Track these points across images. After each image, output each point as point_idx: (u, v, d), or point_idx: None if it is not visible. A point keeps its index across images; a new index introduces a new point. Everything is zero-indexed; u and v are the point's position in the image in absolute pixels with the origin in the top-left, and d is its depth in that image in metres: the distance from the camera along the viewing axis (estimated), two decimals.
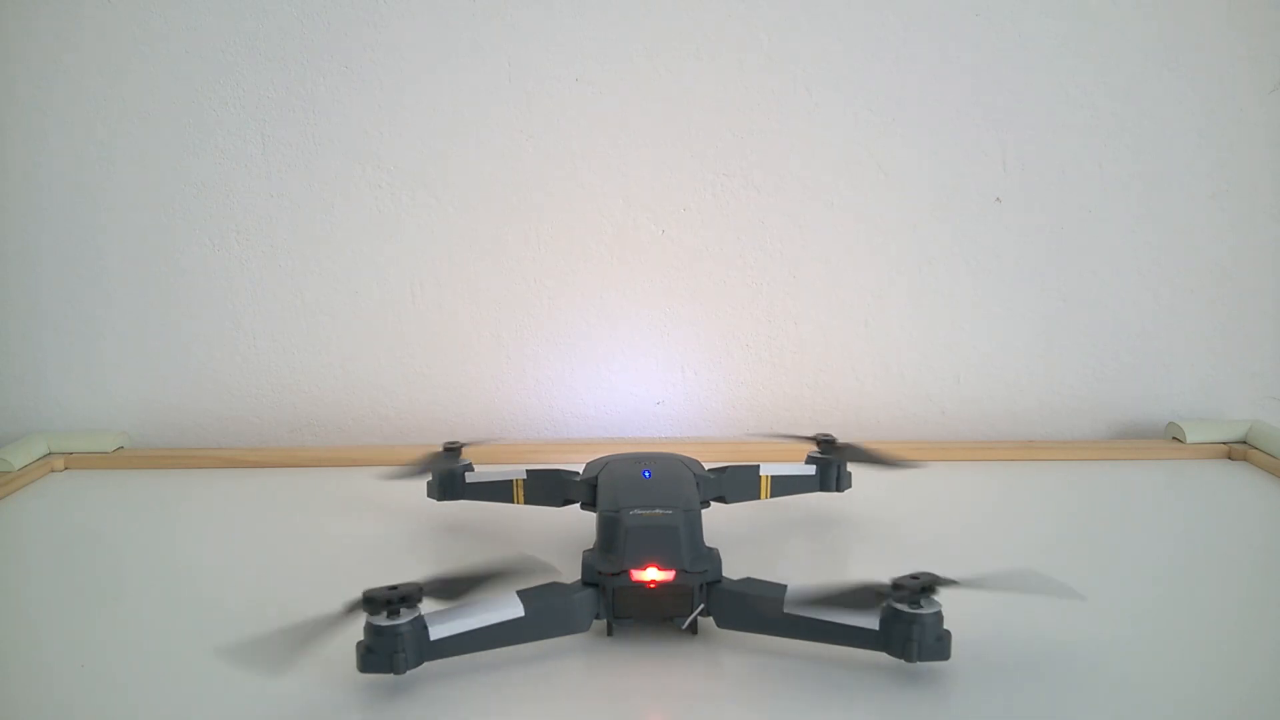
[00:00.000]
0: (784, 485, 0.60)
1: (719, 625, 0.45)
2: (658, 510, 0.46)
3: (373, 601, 0.40)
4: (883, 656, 0.43)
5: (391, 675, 0.41)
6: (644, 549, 0.44)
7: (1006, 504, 0.67)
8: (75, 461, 0.75)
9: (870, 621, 0.42)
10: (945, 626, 0.42)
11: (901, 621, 0.41)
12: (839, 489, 0.61)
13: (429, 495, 0.60)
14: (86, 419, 0.81)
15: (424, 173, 0.77)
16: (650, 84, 0.76)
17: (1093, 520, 0.63)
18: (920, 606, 0.41)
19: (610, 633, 0.46)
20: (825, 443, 0.61)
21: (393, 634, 0.40)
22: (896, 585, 0.41)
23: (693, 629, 0.46)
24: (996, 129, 0.76)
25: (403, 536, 0.60)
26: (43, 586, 0.54)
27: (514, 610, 0.43)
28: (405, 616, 0.41)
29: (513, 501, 0.58)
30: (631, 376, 0.81)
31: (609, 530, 0.46)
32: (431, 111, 0.76)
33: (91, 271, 0.79)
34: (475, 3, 0.75)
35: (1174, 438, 0.77)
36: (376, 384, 0.81)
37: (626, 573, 0.44)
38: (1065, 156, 0.77)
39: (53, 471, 0.74)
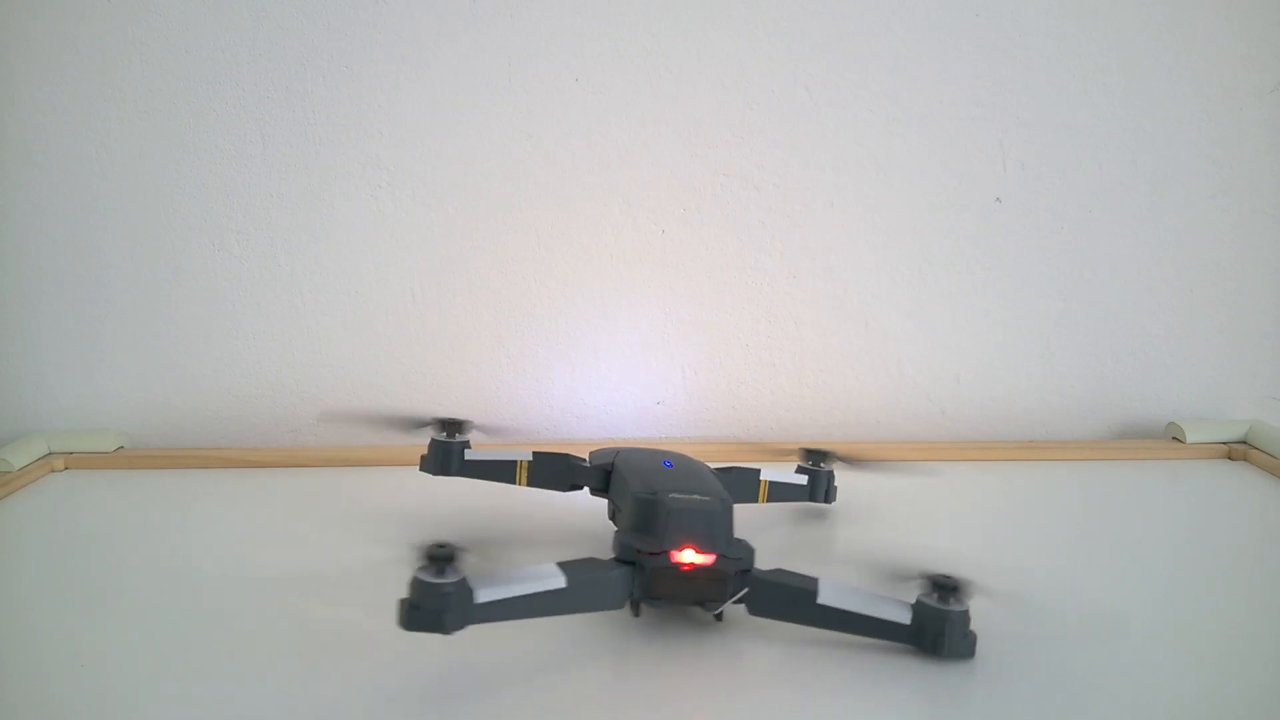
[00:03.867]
0: (779, 492, 0.61)
1: (751, 612, 0.46)
2: (696, 496, 0.46)
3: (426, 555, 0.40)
4: (898, 647, 0.43)
5: (428, 639, 0.40)
6: (685, 531, 0.45)
7: (1007, 504, 0.67)
8: (75, 461, 0.75)
9: (902, 616, 0.44)
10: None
11: (933, 618, 0.43)
12: (826, 501, 0.63)
13: (422, 469, 0.58)
14: (86, 419, 0.81)
15: (424, 173, 0.77)
16: (650, 84, 0.76)
17: (1093, 520, 0.63)
18: (950, 604, 0.43)
19: (637, 613, 0.46)
20: (814, 455, 0.62)
21: (441, 592, 0.40)
22: (937, 583, 0.44)
23: (719, 616, 0.46)
24: (996, 129, 0.76)
25: (403, 536, 0.60)
26: (43, 586, 0.54)
27: (557, 581, 0.42)
28: (451, 576, 0.40)
29: (514, 483, 0.57)
30: (631, 376, 0.81)
31: (646, 512, 0.46)
32: (431, 111, 0.76)
33: (91, 271, 0.79)
34: (475, 3, 0.75)
35: (1174, 438, 0.77)
36: (376, 384, 0.81)
37: (666, 553, 0.44)
38: (1065, 156, 0.77)
39: (53, 471, 0.74)
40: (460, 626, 0.40)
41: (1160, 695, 0.41)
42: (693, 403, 0.81)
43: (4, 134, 0.76)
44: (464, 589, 0.40)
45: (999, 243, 0.78)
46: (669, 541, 0.44)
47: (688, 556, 0.44)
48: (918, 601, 0.44)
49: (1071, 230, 0.78)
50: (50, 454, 0.75)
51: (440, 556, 0.40)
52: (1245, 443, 0.75)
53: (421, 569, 0.40)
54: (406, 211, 0.78)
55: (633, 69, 0.76)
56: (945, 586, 0.43)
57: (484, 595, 0.40)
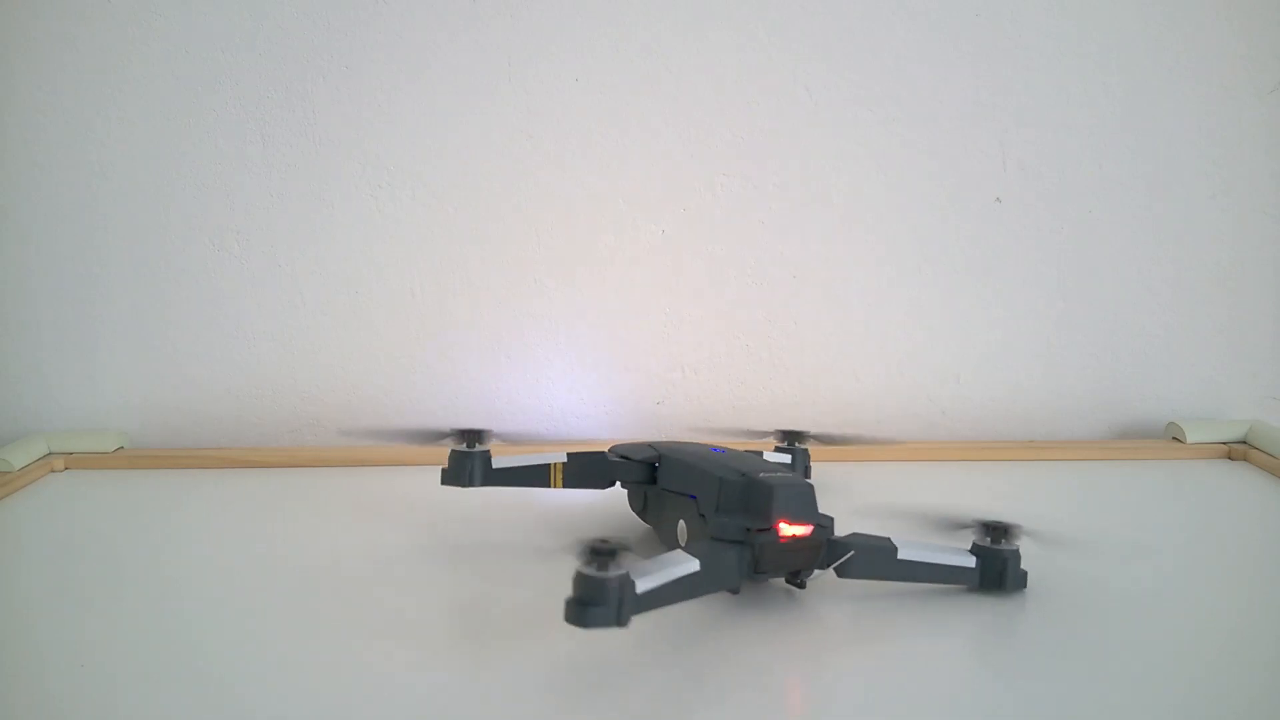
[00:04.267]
0: None
1: (839, 575, 0.49)
2: (779, 474, 0.49)
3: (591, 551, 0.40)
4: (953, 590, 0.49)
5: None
6: (786, 506, 0.47)
7: (1007, 504, 0.67)
8: (75, 461, 0.75)
9: (967, 561, 0.50)
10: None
11: (994, 558, 0.49)
12: (806, 478, 0.66)
13: (445, 483, 0.57)
14: (86, 419, 0.81)
15: (424, 172, 0.77)
16: (650, 84, 0.76)
17: (1093, 520, 0.63)
18: (1004, 545, 0.49)
19: (737, 590, 0.48)
20: (789, 435, 0.67)
21: (610, 586, 0.40)
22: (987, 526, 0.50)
23: (804, 584, 0.50)
24: (996, 129, 0.76)
25: (405, 534, 0.60)
26: (42, 586, 0.54)
27: (692, 564, 0.44)
28: (614, 570, 0.40)
29: (548, 486, 0.57)
30: (631, 376, 0.81)
31: (743, 492, 0.49)
32: (432, 111, 0.76)
33: (91, 271, 0.79)
34: (476, 3, 0.75)
35: (1174, 438, 0.77)
36: (376, 384, 0.81)
37: (773, 528, 0.47)
38: (1065, 156, 0.77)
39: (53, 471, 0.74)
40: (629, 618, 0.40)
41: (1160, 695, 0.41)
42: (693, 403, 0.81)
43: (4, 134, 0.76)
44: (628, 581, 0.41)
45: (999, 243, 0.78)
46: (775, 516, 0.47)
47: (793, 529, 0.47)
48: (975, 546, 0.50)
49: (1071, 230, 0.78)
50: (50, 454, 0.75)
51: (604, 551, 0.40)
52: (1245, 443, 0.75)
53: (586, 564, 0.40)
54: (406, 211, 0.78)
55: (632, 69, 0.76)
56: (997, 530, 0.49)
57: (642, 585, 0.41)
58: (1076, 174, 0.77)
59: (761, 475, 0.49)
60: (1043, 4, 0.75)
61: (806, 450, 0.67)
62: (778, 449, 0.67)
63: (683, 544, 0.52)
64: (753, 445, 0.67)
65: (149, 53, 0.75)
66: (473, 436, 0.57)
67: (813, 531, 0.48)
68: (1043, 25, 0.75)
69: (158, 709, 0.41)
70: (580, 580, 0.40)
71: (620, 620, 0.40)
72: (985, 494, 0.69)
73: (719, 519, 0.48)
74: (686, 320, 0.80)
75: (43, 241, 0.78)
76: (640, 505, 0.59)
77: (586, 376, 0.80)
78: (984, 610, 0.49)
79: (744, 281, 0.79)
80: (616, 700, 0.41)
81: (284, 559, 0.57)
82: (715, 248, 0.78)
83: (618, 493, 0.59)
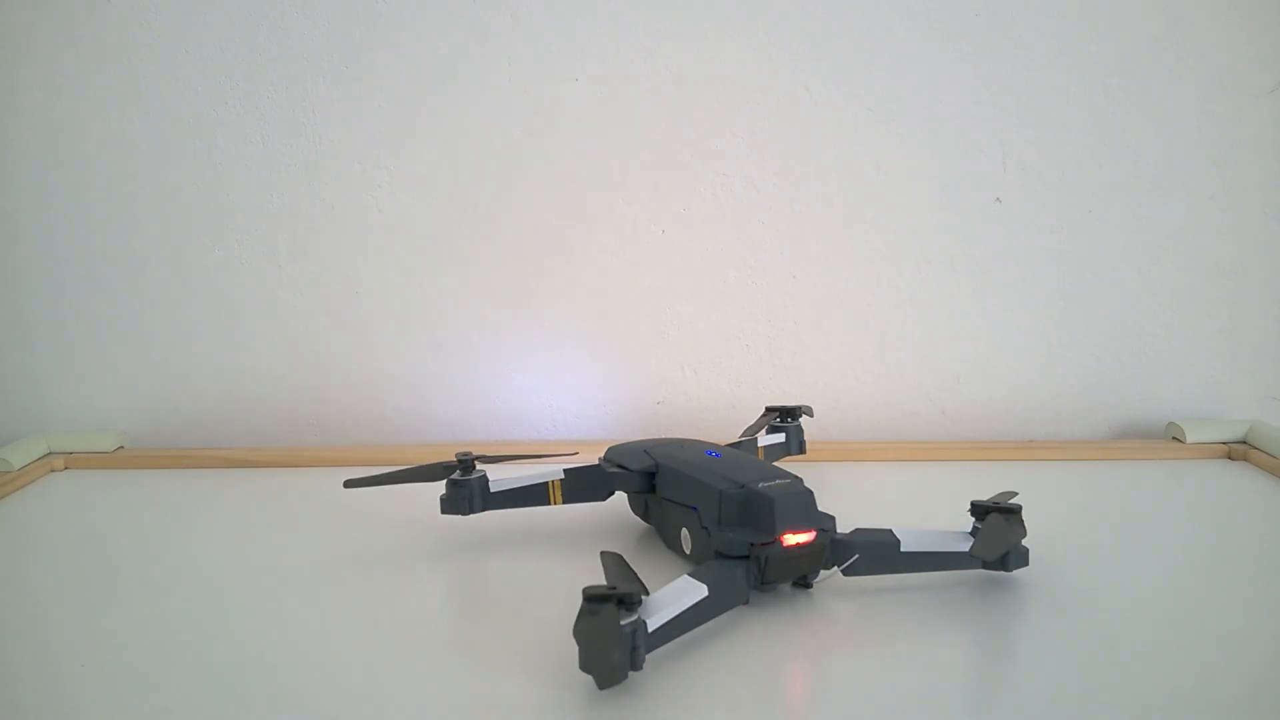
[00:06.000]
0: (769, 454, 0.68)
1: (845, 574, 0.49)
2: (778, 481, 0.49)
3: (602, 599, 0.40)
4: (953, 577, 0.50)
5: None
6: (789, 516, 0.47)
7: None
8: (75, 461, 0.75)
9: (968, 545, 0.50)
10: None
11: None
12: (801, 452, 0.69)
13: (444, 511, 0.56)
14: (86, 419, 0.81)
15: (424, 172, 0.77)
16: (650, 84, 0.76)
17: (1093, 520, 0.63)
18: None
19: (748, 601, 0.48)
20: (781, 413, 0.70)
21: (626, 635, 0.40)
22: (991, 507, 0.50)
23: (810, 585, 0.50)
24: (996, 129, 0.76)
25: (404, 534, 0.60)
26: (43, 586, 0.54)
27: (700, 591, 0.44)
28: (628, 616, 0.40)
29: (548, 503, 0.57)
30: (631, 376, 0.81)
31: (744, 505, 0.49)
32: (431, 111, 0.76)
33: (91, 271, 0.79)
34: (476, 3, 0.75)
35: (1174, 438, 0.77)
36: (376, 384, 0.81)
37: (778, 540, 0.47)
38: (1065, 156, 0.77)
39: (53, 471, 0.74)
40: (643, 660, 0.41)
41: (1160, 694, 0.41)
42: (693, 403, 0.81)
43: (3, 134, 0.77)
44: (640, 625, 0.41)
45: (999, 243, 0.78)
46: (779, 529, 0.47)
47: (797, 539, 0.47)
48: (975, 530, 0.50)
49: (1071, 230, 0.78)
50: (50, 454, 0.76)
51: (611, 601, 0.40)
52: (1245, 443, 0.75)
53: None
54: (406, 211, 0.78)
55: (633, 69, 0.76)
56: (998, 512, 0.50)
57: (653, 623, 0.41)
58: (1076, 174, 0.77)
59: (760, 485, 0.49)
60: (1043, 4, 0.75)
61: (799, 426, 0.69)
62: (771, 429, 0.69)
63: (687, 550, 0.52)
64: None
65: (149, 53, 0.75)
66: (467, 464, 0.56)
67: (815, 536, 0.48)
68: (1043, 25, 0.75)
69: (157, 707, 0.41)
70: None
71: (636, 665, 0.40)
72: (985, 494, 0.69)
73: (722, 534, 0.48)
74: (686, 320, 0.80)
75: (43, 242, 0.78)
76: (642, 510, 0.59)
77: (586, 376, 0.80)
78: (986, 609, 0.49)
79: (744, 281, 0.79)
80: (622, 699, 0.41)
81: (283, 559, 0.57)
82: (715, 248, 0.78)
83: (618, 495, 0.59)
